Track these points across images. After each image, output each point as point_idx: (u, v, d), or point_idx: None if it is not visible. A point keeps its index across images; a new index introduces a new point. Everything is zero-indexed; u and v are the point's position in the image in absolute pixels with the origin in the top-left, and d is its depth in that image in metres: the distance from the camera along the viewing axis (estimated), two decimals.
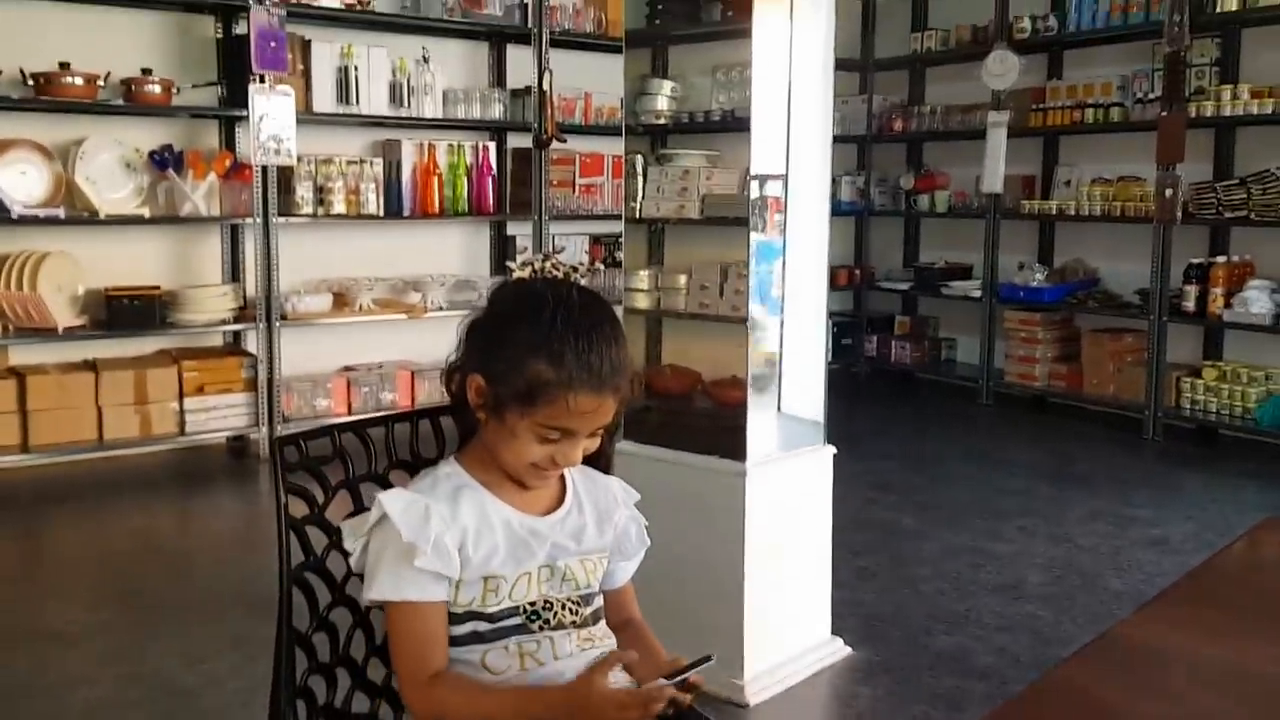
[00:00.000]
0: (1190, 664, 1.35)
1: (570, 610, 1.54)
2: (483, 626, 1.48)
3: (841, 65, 3.22)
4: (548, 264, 1.55)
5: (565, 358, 1.43)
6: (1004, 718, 1.23)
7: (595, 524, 1.58)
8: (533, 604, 1.51)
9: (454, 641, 1.48)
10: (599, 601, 1.60)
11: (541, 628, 1.51)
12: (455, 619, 1.48)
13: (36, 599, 3.67)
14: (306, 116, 5.48)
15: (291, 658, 1.54)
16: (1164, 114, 5.73)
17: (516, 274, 1.55)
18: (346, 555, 1.51)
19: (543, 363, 1.43)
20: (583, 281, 1.55)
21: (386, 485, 1.63)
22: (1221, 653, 1.41)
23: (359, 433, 1.65)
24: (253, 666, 3.09)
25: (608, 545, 1.60)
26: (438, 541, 1.43)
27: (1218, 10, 5.71)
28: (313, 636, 1.57)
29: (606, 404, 1.47)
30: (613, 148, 6.47)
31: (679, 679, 1.40)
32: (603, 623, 1.60)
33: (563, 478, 1.59)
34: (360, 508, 1.60)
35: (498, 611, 1.49)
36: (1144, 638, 1.41)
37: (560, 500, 1.58)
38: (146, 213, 5.23)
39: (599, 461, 1.63)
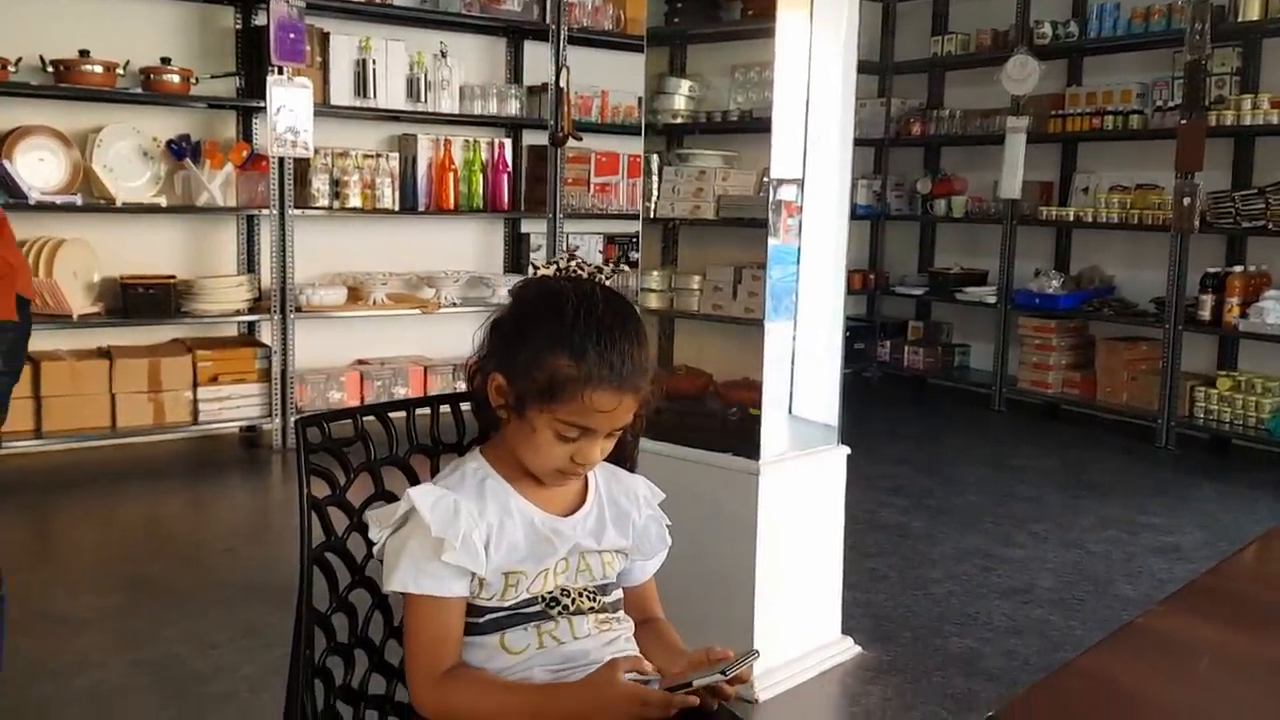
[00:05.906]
0: (1218, 653, 1.35)
1: (588, 598, 1.53)
2: (503, 614, 1.48)
3: (860, 68, 3.20)
4: (573, 263, 1.54)
5: (587, 354, 1.42)
6: (1032, 702, 1.22)
7: (616, 523, 1.58)
8: (550, 593, 1.50)
9: (474, 629, 1.48)
10: (618, 593, 1.60)
11: (561, 613, 1.51)
12: (475, 610, 1.47)
13: (47, 583, 3.67)
14: (324, 109, 5.50)
15: (311, 637, 1.54)
16: (1183, 122, 5.72)
17: (541, 271, 1.55)
18: (370, 544, 1.51)
19: (564, 358, 1.42)
20: (607, 282, 1.54)
21: (408, 469, 1.63)
22: (1249, 645, 1.40)
23: (381, 416, 1.66)
24: (265, 653, 3.10)
25: (628, 544, 1.59)
26: (466, 537, 1.43)
27: (1239, 19, 5.69)
28: (332, 617, 1.57)
29: (626, 403, 1.46)
30: (628, 147, 6.47)
31: (722, 672, 1.39)
32: (621, 611, 1.59)
33: (585, 476, 1.58)
34: (381, 490, 1.61)
35: (517, 602, 1.49)
36: (1169, 628, 1.41)
37: (583, 499, 1.57)
38: (163, 202, 5.25)
39: (623, 462, 1.63)
